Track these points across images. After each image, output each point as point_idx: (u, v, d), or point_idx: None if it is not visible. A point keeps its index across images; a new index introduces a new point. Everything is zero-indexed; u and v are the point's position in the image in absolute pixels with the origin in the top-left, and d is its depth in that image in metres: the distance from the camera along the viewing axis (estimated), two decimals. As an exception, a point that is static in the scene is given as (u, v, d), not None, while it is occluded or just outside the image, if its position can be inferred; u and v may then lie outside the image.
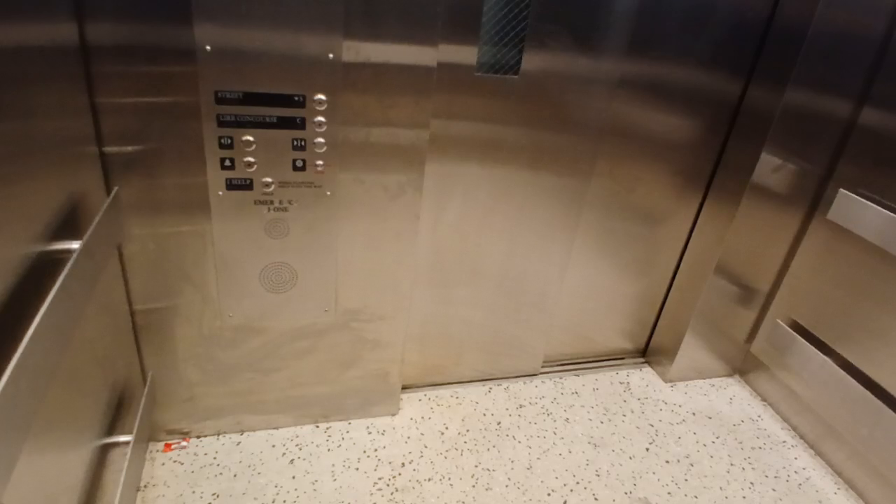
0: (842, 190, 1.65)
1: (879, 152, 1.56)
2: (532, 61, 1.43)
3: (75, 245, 0.93)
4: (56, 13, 0.96)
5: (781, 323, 1.87)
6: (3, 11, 0.76)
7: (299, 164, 1.27)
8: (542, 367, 2.01)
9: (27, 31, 0.84)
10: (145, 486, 1.44)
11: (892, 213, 1.51)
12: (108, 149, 1.16)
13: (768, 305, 1.94)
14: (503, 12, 1.36)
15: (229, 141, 1.21)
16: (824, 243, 1.72)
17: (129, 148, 1.18)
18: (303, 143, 1.25)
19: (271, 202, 1.30)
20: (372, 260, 1.47)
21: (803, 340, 1.79)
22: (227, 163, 1.23)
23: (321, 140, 1.26)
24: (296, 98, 1.20)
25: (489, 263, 1.71)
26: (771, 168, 1.67)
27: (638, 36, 1.50)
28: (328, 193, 1.33)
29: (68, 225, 0.97)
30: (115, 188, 1.19)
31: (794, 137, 1.64)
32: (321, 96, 1.21)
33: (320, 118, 1.24)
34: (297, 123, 1.23)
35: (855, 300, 1.64)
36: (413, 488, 1.53)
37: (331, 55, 1.18)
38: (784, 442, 1.84)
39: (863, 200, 1.59)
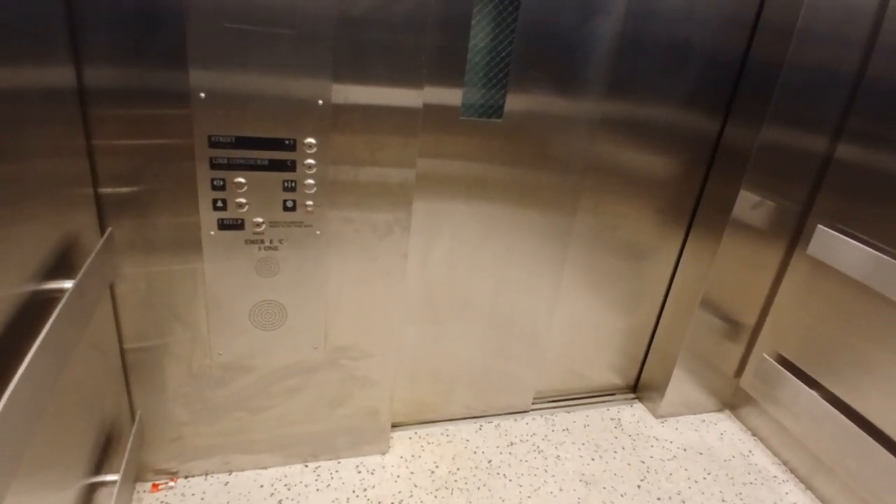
0: (820, 225, 1.69)
1: (856, 187, 1.61)
2: (515, 103, 1.48)
3: (68, 284, 0.95)
4: (54, 57, 1.00)
5: (768, 357, 1.89)
6: (2, 55, 0.80)
7: (290, 204, 1.31)
8: (533, 403, 2.01)
9: (26, 75, 0.88)
10: (131, 529, 1.43)
11: (869, 248, 1.55)
12: (103, 190, 1.20)
13: (755, 340, 1.96)
14: (487, 58, 1.42)
15: (222, 183, 1.24)
16: (806, 278, 1.76)
17: (124, 189, 1.21)
18: (293, 185, 1.29)
19: (262, 241, 1.33)
20: (361, 297, 1.49)
21: (790, 374, 1.80)
22: (220, 203, 1.26)
23: (311, 181, 1.30)
24: (286, 142, 1.24)
25: (478, 300, 1.73)
26: (750, 204, 1.71)
27: (617, 78, 1.56)
28: (318, 233, 1.36)
29: (62, 265, 0.99)
30: (109, 228, 1.22)
31: (772, 174, 1.69)
32: (311, 140, 1.26)
33: (310, 160, 1.28)
34: (288, 166, 1.27)
35: (839, 334, 1.66)
36: (402, 528, 1.51)
37: (320, 101, 1.22)
38: (775, 477, 1.84)
39: (840, 236, 1.63)
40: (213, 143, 1.20)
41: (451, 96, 1.44)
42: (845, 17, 1.53)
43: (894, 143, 1.52)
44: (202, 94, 1.15)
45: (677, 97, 1.66)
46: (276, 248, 1.34)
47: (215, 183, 1.24)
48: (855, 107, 1.61)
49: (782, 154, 1.67)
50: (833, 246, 1.65)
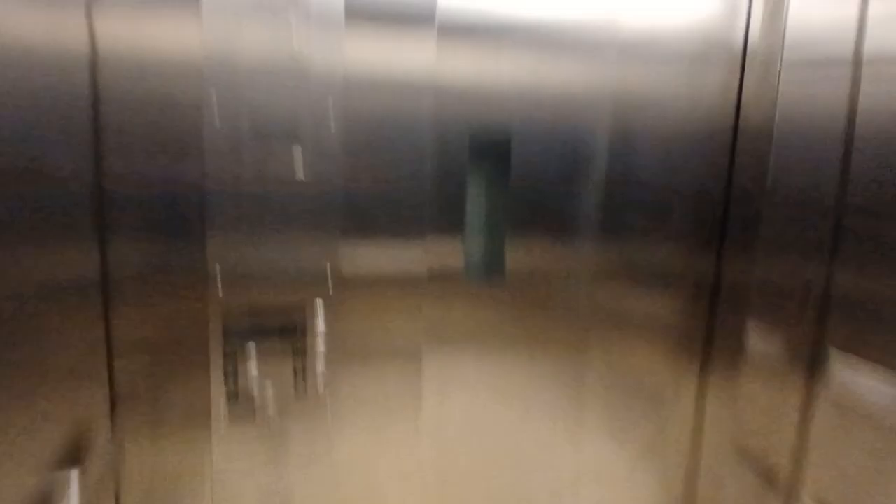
0: (834, 352, 1.66)
1: (862, 313, 1.60)
2: (515, 262, 1.55)
3: (73, 473, 0.93)
4: (80, 241, 1.08)
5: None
6: (28, 244, 0.87)
7: (299, 372, 1.32)
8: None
9: (53, 263, 0.95)
10: None
11: (888, 376, 1.51)
12: (116, 365, 1.22)
13: (794, 486, 1.83)
14: (483, 218, 1.52)
15: (233, 350, 1.27)
16: (832, 413, 1.68)
17: (135, 365, 1.24)
18: (302, 351, 1.31)
19: (269, 411, 1.32)
20: (371, 472, 1.44)
21: (843, 522, 1.65)
22: (230, 375, 1.28)
23: (322, 349, 1.32)
24: (296, 308, 1.29)
25: (493, 472, 1.65)
26: (759, 337, 1.70)
27: (609, 226, 1.64)
28: (327, 403, 1.35)
29: (68, 453, 0.98)
30: (119, 415, 1.22)
31: (776, 304, 1.68)
32: (320, 306, 1.30)
33: (320, 326, 1.31)
34: (298, 332, 1.30)
35: (875, 474, 1.55)
36: None
37: (328, 265, 1.29)
38: None
39: (858, 363, 1.59)
40: (225, 314, 1.25)
41: (452, 257, 1.51)
42: (817, 151, 1.62)
43: (886, 269, 1.54)
44: (217, 266, 1.22)
45: (670, 238, 1.72)
46: (284, 421, 1.33)
47: (227, 351, 1.27)
48: (841, 232, 1.65)
49: (783, 281, 1.67)
50: (851, 375, 1.61)
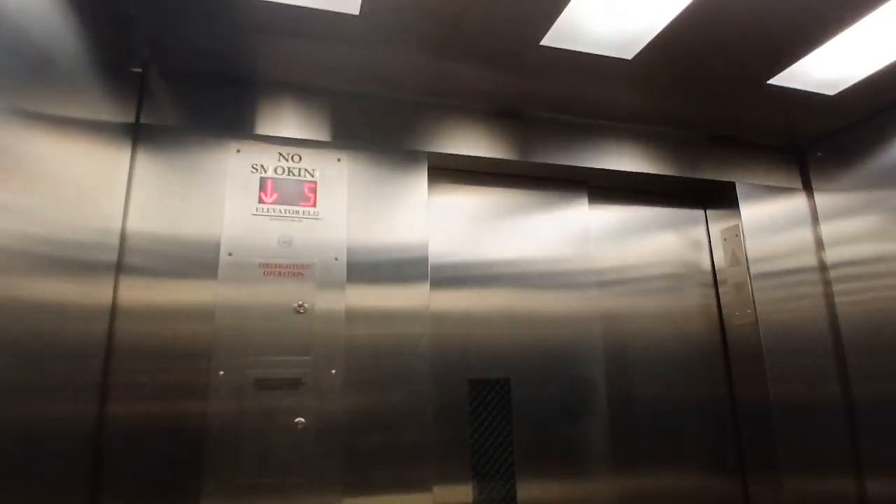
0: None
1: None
2: (527, 492, 1.45)
3: None
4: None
5: None
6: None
7: None
8: None
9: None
10: None
11: None
12: None
13: None
14: (489, 454, 1.46)
15: None
16: None
17: None
18: None
19: None
20: None
21: None
22: None
23: None
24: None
25: None
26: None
27: (622, 453, 1.56)
28: None
29: None
30: None
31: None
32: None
33: None
34: None
35: None
36: None
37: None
38: None
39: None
40: None
41: (462, 495, 1.42)
42: (805, 349, 1.64)
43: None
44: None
45: (689, 460, 1.65)
46: None
47: None
48: (860, 438, 1.58)
49: (815, 498, 1.55)
50: None
